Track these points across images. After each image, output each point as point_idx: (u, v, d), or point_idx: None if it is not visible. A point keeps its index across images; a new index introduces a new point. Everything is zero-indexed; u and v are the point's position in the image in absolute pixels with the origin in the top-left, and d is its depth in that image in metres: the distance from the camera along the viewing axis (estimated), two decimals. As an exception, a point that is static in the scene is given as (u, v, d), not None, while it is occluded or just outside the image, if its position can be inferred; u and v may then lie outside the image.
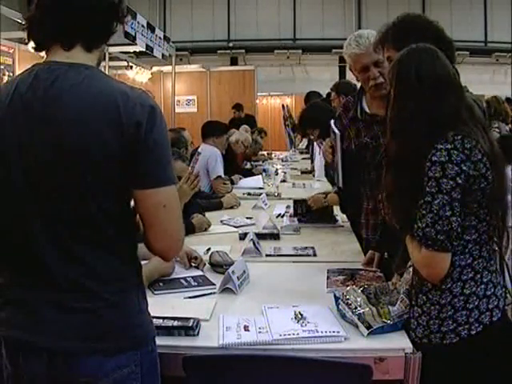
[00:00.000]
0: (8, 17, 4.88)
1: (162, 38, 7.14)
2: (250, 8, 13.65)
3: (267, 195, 3.94)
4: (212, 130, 5.03)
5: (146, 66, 9.62)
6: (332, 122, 2.39)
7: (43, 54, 1.25)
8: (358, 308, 1.59)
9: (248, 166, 6.36)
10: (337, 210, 3.22)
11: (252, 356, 1.48)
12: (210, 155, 4.76)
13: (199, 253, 2.29)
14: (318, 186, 4.56)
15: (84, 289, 1.19)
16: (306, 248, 2.58)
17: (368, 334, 1.53)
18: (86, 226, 1.18)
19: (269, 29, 13.59)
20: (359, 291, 1.67)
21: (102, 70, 1.28)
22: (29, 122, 1.16)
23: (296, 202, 3.25)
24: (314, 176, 5.30)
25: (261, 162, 7.05)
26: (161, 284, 1.99)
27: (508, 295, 1.55)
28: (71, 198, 1.17)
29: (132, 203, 1.24)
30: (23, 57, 6.20)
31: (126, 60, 8.90)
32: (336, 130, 2.30)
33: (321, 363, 1.45)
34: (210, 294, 1.94)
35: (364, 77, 2.33)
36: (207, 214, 3.22)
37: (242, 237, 2.70)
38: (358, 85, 2.54)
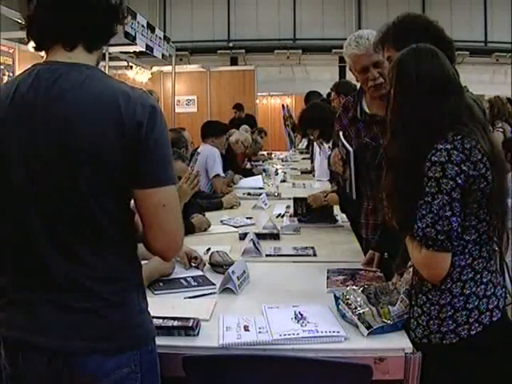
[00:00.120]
0: (8, 17, 4.88)
1: (162, 37, 7.14)
2: (250, 8, 13.67)
3: (267, 195, 3.94)
4: (212, 130, 5.03)
5: (145, 66, 9.62)
6: (341, 135, 2.37)
7: (43, 53, 1.25)
8: (358, 308, 1.59)
9: (248, 165, 6.36)
10: (337, 209, 3.22)
11: (252, 356, 1.48)
12: (209, 155, 4.77)
13: (199, 253, 2.29)
14: (317, 186, 4.56)
15: (84, 289, 1.19)
16: (306, 248, 2.58)
17: (368, 333, 1.53)
18: (87, 226, 1.18)
19: (269, 29, 13.60)
20: (359, 291, 1.66)
21: (102, 69, 1.29)
22: (30, 121, 1.16)
23: (296, 200, 3.25)
24: (313, 176, 5.30)
25: (261, 162, 7.06)
26: (161, 284, 1.99)
27: (508, 295, 1.55)
28: (72, 198, 1.17)
29: (132, 203, 1.24)
30: (23, 57, 6.20)
31: (126, 60, 8.90)
32: (348, 147, 2.28)
33: (321, 363, 1.45)
34: (210, 293, 1.94)
35: (363, 77, 2.33)
36: (207, 214, 3.22)
37: (242, 237, 2.70)
38: (358, 85, 2.54)
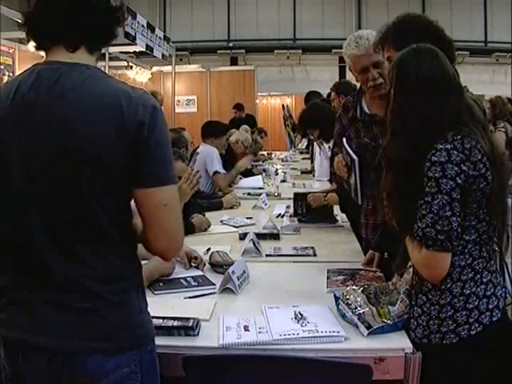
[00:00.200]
0: (8, 17, 4.88)
1: (162, 37, 7.15)
2: (250, 8, 13.66)
3: (267, 195, 3.94)
4: (212, 131, 5.03)
5: (145, 66, 9.62)
6: (345, 142, 2.37)
7: (43, 53, 1.25)
8: (358, 308, 1.59)
9: (248, 166, 6.35)
10: (337, 209, 3.22)
11: (252, 356, 1.48)
12: (207, 154, 4.79)
13: (199, 253, 2.29)
14: (317, 186, 4.56)
15: (84, 289, 1.19)
16: (306, 248, 2.58)
17: (368, 333, 1.53)
18: (87, 226, 1.18)
19: (269, 29, 13.60)
20: (359, 291, 1.66)
21: (102, 69, 1.29)
22: (30, 121, 1.16)
23: (296, 195, 3.24)
24: (313, 176, 5.30)
25: (261, 162, 7.05)
26: (161, 284, 1.99)
27: (508, 295, 1.55)
28: (72, 198, 1.17)
29: (132, 203, 1.24)
30: (23, 57, 6.20)
31: (126, 60, 8.90)
32: (353, 156, 2.28)
33: (321, 363, 1.45)
34: (210, 293, 1.94)
35: (363, 78, 2.33)
36: (207, 214, 3.22)
37: (242, 237, 2.70)
38: (358, 85, 2.54)
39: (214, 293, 1.94)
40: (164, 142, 1.20)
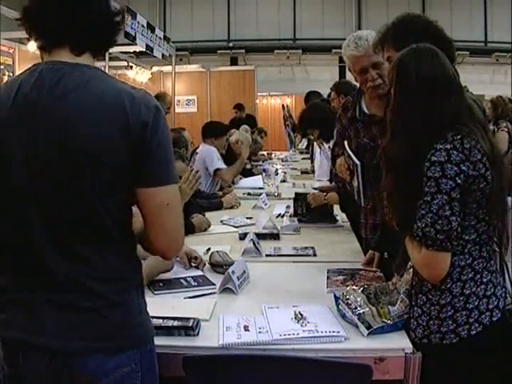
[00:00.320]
0: (8, 17, 4.88)
1: (162, 37, 7.14)
2: (250, 8, 13.66)
3: (267, 195, 3.94)
4: (212, 131, 5.04)
5: (145, 66, 9.61)
6: (347, 146, 2.37)
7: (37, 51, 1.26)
8: (358, 308, 1.59)
9: (248, 166, 6.36)
10: (337, 209, 3.22)
11: (252, 356, 1.48)
12: (207, 154, 4.81)
13: (199, 253, 2.29)
14: (317, 186, 4.56)
15: (85, 288, 1.19)
16: (306, 248, 2.58)
17: (368, 333, 1.53)
18: (89, 226, 1.19)
19: (269, 29, 13.59)
20: (359, 291, 1.67)
21: (101, 69, 1.29)
22: (33, 121, 1.16)
23: (297, 196, 3.24)
24: (313, 175, 5.30)
25: (261, 162, 7.06)
26: (161, 284, 1.99)
27: (508, 295, 1.55)
28: (73, 198, 1.17)
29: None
30: (23, 57, 6.20)
31: (125, 60, 8.89)
32: (356, 160, 2.28)
33: (321, 363, 1.45)
34: (210, 293, 1.94)
35: (362, 78, 2.33)
36: (207, 214, 3.22)
37: (242, 237, 2.70)
38: (358, 85, 2.54)
39: (214, 293, 1.94)
40: (166, 142, 1.21)
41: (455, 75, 1.53)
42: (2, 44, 5.86)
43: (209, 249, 2.46)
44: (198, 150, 4.94)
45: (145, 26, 6.21)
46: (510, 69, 12.27)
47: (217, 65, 11.51)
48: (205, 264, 2.24)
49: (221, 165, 4.78)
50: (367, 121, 2.40)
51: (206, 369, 1.46)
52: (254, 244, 2.46)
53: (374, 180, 2.13)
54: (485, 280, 1.48)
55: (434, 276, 1.46)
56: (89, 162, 1.15)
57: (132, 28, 5.69)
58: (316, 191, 3.38)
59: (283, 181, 5.20)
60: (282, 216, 3.34)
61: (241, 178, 5.16)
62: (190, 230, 2.84)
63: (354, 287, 1.71)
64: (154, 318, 1.34)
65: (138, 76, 9.29)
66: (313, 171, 5.59)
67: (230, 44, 13.72)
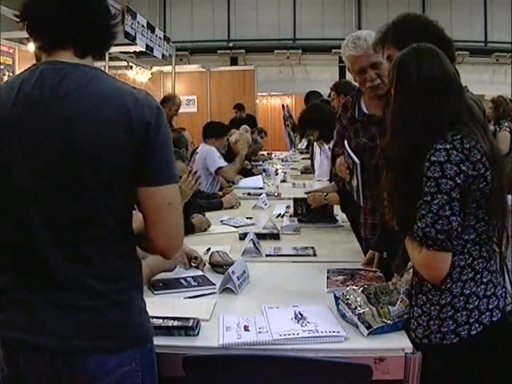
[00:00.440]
0: (8, 17, 4.88)
1: (162, 37, 7.15)
2: (250, 8, 13.66)
3: (267, 195, 3.94)
4: (213, 131, 5.05)
5: (145, 66, 9.61)
6: (347, 145, 2.37)
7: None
8: (358, 308, 1.59)
9: (248, 166, 6.36)
10: (337, 209, 3.22)
11: (252, 356, 1.48)
12: (207, 154, 4.81)
13: (199, 253, 2.29)
14: (317, 186, 4.56)
15: (85, 287, 1.19)
16: (306, 248, 2.58)
17: (368, 333, 1.53)
18: (90, 226, 1.19)
19: (269, 29, 13.59)
20: (359, 291, 1.66)
21: (102, 69, 1.29)
22: (34, 120, 1.16)
23: (296, 200, 3.25)
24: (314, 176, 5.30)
25: (261, 162, 7.05)
26: (161, 284, 1.99)
27: (508, 295, 1.55)
28: (74, 198, 1.17)
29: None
30: (23, 57, 6.20)
31: (125, 60, 8.89)
32: (355, 159, 2.29)
33: (321, 363, 1.45)
34: (210, 293, 1.94)
35: (361, 78, 2.33)
36: (207, 214, 3.22)
37: (242, 237, 2.70)
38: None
39: (214, 293, 1.94)
40: (167, 141, 1.22)
41: (456, 75, 1.53)
42: (2, 44, 5.86)
43: (209, 249, 2.46)
44: (198, 150, 4.94)
45: (145, 26, 6.22)
46: (510, 69, 12.27)
47: (217, 65, 11.51)
48: (205, 264, 2.24)
49: (222, 163, 4.79)
50: (366, 121, 2.40)
51: (206, 369, 1.46)
52: (253, 244, 2.46)
53: (373, 180, 2.13)
54: (485, 280, 1.48)
55: (434, 276, 1.46)
56: (89, 161, 1.15)
57: (132, 28, 5.70)
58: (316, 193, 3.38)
59: (283, 181, 5.20)
60: (282, 216, 3.33)
61: (241, 178, 5.16)
62: (190, 229, 2.83)
63: (354, 287, 1.71)
64: (153, 317, 1.35)
65: (138, 76, 9.29)
66: (310, 171, 5.60)
67: (230, 44, 13.72)
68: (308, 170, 5.74)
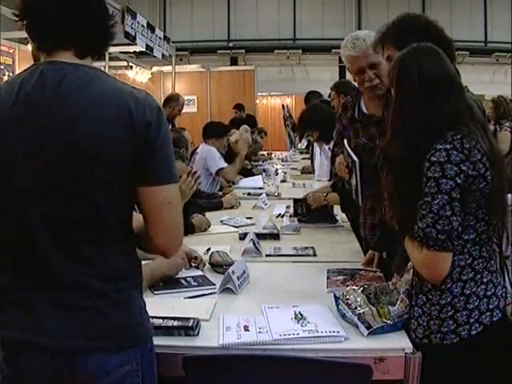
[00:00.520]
0: (8, 17, 4.88)
1: (162, 37, 7.15)
2: (250, 8, 13.65)
3: (267, 195, 3.94)
4: (213, 131, 5.05)
5: (146, 66, 9.61)
6: (346, 144, 2.37)
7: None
8: (358, 308, 1.59)
9: (248, 166, 6.36)
10: (337, 209, 3.22)
11: (252, 356, 1.48)
12: (208, 154, 4.81)
13: (199, 253, 2.29)
14: (317, 186, 4.56)
15: (85, 287, 1.19)
16: (306, 248, 2.58)
17: (368, 333, 1.53)
18: (91, 225, 1.19)
19: (269, 29, 13.59)
20: (359, 291, 1.66)
21: (102, 69, 1.30)
22: (35, 120, 1.16)
23: (296, 201, 3.25)
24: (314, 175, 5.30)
25: (261, 162, 7.05)
26: (161, 284, 1.99)
27: (508, 295, 1.55)
28: (74, 198, 1.17)
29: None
30: (23, 57, 6.20)
31: (125, 60, 8.89)
32: (354, 157, 2.28)
33: (321, 363, 1.45)
34: (210, 293, 1.94)
35: (360, 78, 2.34)
36: (207, 214, 3.22)
37: (242, 237, 2.70)
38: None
39: (214, 293, 1.94)
40: (168, 141, 1.23)
41: (456, 75, 1.52)
42: (2, 44, 5.86)
43: (209, 249, 2.45)
44: (198, 150, 4.94)
45: (145, 25, 6.22)
46: (510, 69, 12.27)
47: (217, 65, 11.51)
48: (205, 264, 2.24)
49: (223, 164, 4.79)
50: (366, 121, 2.40)
51: (206, 369, 1.46)
52: (253, 244, 2.46)
53: (372, 180, 2.13)
54: (485, 280, 1.47)
55: (434, 276, 1.46)
56: (89, 161, 1.15)
57: (132, 28, 5.70)
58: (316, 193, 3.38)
59: (283, 181, 5.20)
60: (282, 216, 3.33)
61: (241, 178, 5.16)
62: (190, 229, 2.83)
63: (354, 287, 1.71)
64: (153, 317, 1.35)
65: (138, 76, 9.29)
66: (310, 171, 5.60)
67: (230, 44, 13.72)
68: (308, 170, 5.74)
